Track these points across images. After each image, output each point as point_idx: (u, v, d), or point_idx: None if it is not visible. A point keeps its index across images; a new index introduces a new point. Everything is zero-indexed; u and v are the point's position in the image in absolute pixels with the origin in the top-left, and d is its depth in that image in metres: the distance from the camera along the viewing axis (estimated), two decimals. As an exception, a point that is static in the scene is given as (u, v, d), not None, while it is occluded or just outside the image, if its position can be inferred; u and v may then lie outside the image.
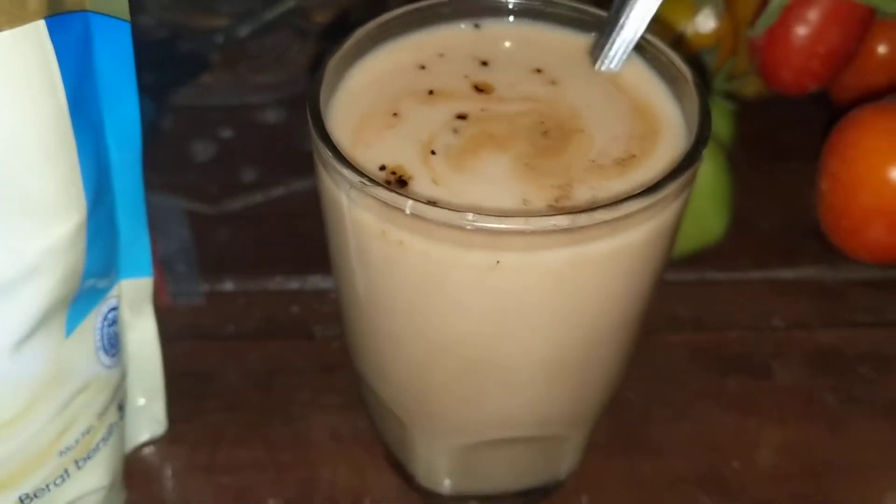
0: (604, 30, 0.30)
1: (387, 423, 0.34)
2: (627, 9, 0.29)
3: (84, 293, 0.30)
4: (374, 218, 0.26)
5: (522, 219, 0.24)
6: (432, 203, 0.24)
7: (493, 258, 0.25)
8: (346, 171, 0.25)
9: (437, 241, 0.25)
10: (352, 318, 0.31)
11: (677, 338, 0.44)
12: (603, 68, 0.30)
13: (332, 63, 0.29)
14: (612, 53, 0.30)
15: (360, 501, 0.36)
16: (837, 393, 0.41)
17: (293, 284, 0.46)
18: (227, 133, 0.55)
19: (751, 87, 0.53)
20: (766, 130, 0.56)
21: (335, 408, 0.40)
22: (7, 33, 0.24)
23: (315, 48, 0.61)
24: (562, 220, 0.24)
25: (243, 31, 0.62)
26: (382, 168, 0.27)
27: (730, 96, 0.50)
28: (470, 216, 0.24)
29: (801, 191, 0.52)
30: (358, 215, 0.26)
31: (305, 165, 0.54)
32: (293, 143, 0.55)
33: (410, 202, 0.24)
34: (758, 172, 0.52)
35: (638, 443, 0.39)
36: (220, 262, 0.47)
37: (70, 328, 0.30)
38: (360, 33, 0.30)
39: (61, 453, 0.31)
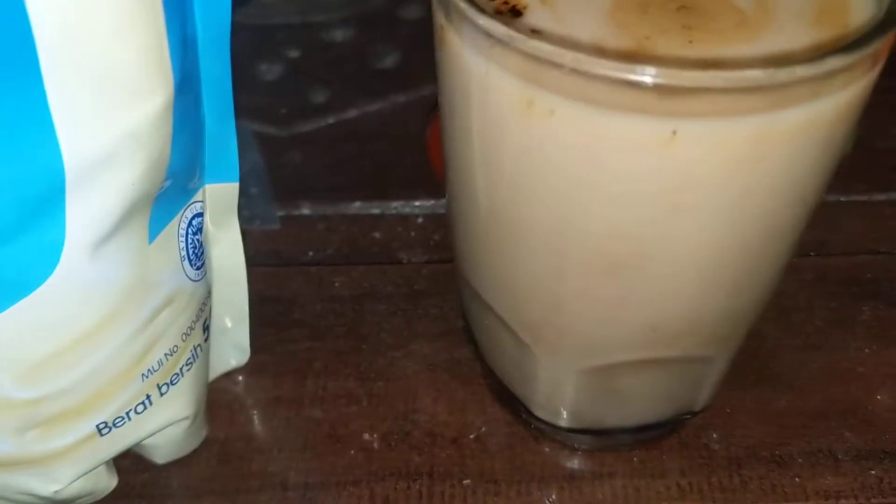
0: None
1: (501, 345, 0.31)
2: None
3: (168, 194, 0.26)
4: (518, 84, 0.21)
5: (711, 73, 0.19)
6: (598, 53, 0.20)
7: (669, 128, 0.20)
8: (487, 22, 0.21)
9: (599, 106, 0.20)
10: (467, 221, 0.27)
11: (802, 263, 0.40)
12: None
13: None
14: None
15: (464, 436, 0.33)
16: None
17: (374, 210, 0.42)
18: (293, 53, 0.51)
19: None
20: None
21: (430, 336, 0.36)
22: None
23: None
24: (756, 74, 0.20)
25: (305, -52, 0.58)
26: None
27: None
28: (651, 70, 0.19)
29: (922, 109, 0.47)
30: (495, 84, 0.22)
31: (377, 86, 0.50)
32: (362, 61, 0.51)
33: (571, 54, 0.20)
34: (876, 90, 0.48)
35: (770, 375, 0.35)
36: (294, 185, 0.43)
37: (153, 233, 0.26)
38: None
39: (143, 376, 0.27)
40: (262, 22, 0.53)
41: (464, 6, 0.22)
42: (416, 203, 0.43)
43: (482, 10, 0.21)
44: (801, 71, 0.20)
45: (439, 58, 0.25)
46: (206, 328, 0.30)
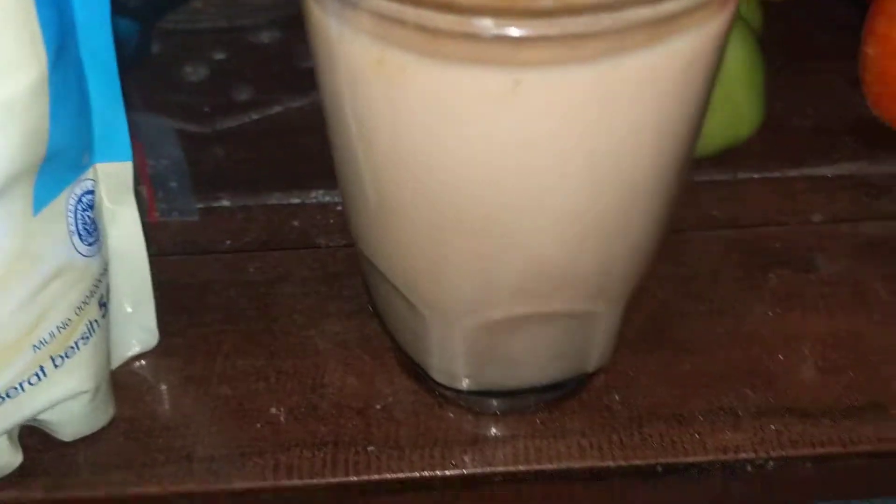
0: None
1: (397, 313, 0.31)
2: None
3: (53, 168, 0.27)
4: (370, 42, 0.22)
5: (546, 20, 0.20)
6: (439, 6, 0.21)
7: (512, 77, 0.21)
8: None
9: (445, 60, 0.21)
10: (352, 187, 0.28)
11: (711, 234, 0.40)
12: None
13: None
14: None
15: (370, 407, 0.33)
16: (887, 282, 0.38)
17: (294, 199, 0.43)
18: (219, 55, 0.52)
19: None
20: (798, 31, 0.53)
21: (342, 315, 0.36)
22: None
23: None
24: (597, 20, 0.20)
25: (234, -45, 0.58)
26: None
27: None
28: (487, 22, 0.20)
29: (835, 89, 0.48)
30: (350, 46, 0.23)
31: (302, 84, 0.51)
32: (289, 62, 0.51)
33: (414, 10, 0.21)
34: (789, 72, 0.49)
35: (673, 340, 0.36)
36: (215, 179, 0.44)
37: (38, 205, 0.27)
38: None
39: (35, 347, 0.28)
40: (189, 27, 0.54)
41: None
42: (336, 191, 0.43)
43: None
44: (632, 15, 0.21)
45: (306, 29, 0.25)
46: (102, 304, 0.30)
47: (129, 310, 0.33)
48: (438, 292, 0.28)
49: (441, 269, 0.27)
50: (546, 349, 0.30)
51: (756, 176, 0.44)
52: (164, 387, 0.34)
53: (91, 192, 0.29)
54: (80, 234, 0.28)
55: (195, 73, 0.51)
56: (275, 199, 0.43)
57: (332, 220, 0.42)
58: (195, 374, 0.34)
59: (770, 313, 0.37)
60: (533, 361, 0.30)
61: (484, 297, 0.27)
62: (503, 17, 0.21)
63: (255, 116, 0.48)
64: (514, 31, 0.21)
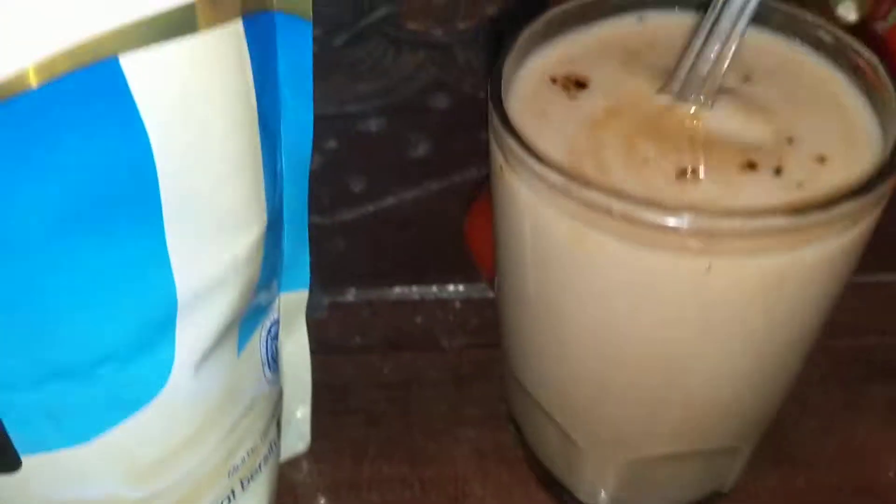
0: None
1: (546, 436, 0.34)
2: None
3: (252, 309, 0.29)
4: (570, 222, 0.25)
5: (740, 218, 0.23)
6: (644, 202, 0.23)
7: (705, 263, 0.24)
8: (543, 170, 0.24)
9: (644, 245, 0.24)
10: (519, 326, 0.30)
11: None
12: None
13: (512, 54, 0.28)
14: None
15: (512, 518, 0.36)
16: None
17: (414, 295, 0.45)
18: (331, 143, 0.55)
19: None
20: None
21: (475, 421, 0.39)
22: (210, 33, 0.22)
23: (410, 55, 0.61)
24: (778, 220, 0.23)
25: (337, 40, 0.61)
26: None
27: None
28: (686, 216, 0.23)
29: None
30: (548, 220, 0.25)
31: (411, 174, 0.53)
32: (398, 151, 0.54)
33: (618, 202, 0.23)
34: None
35: (789, 455, 0.38)
36: (338, 273, 0.46)
37: (241, 345, 0.29)
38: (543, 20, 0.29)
39: (230, 473, 0.30)
40: (300, 113, 0.56)
41: (523, 154, 0.25)
42: (451, 288, 0.46)
43: (539, 159, 0.25)
44: (816, 216, 0.23)
45: (497, 189, 0.28)
46: (279, 424, 0.33)
47: (299, 416, 0.36)
48: (598, 432, 0.30)
49: (602, 410, 0.29)
50: (691, 476, 0.32)
51: (855, 279, 0.46)
52: (317, 492, 0.36)
53: (277, 323, 0.32)
54: (269, 365, 0.31)
55: (312, 162, 0.53)
56: (396, 293, 0.46)
57: (451, 318, 0.44)
58: (344, 478, 0.37)
59: (878, 429, 0.39)
60: (677, 486, 0.33)
61: (642, 439, 0.30)
62: (701, 215, 0.23)
63: (371, 208, 0.50)
64: (710, 226, 0.23)
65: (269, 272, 0.29)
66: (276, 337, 0.32)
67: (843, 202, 0.24)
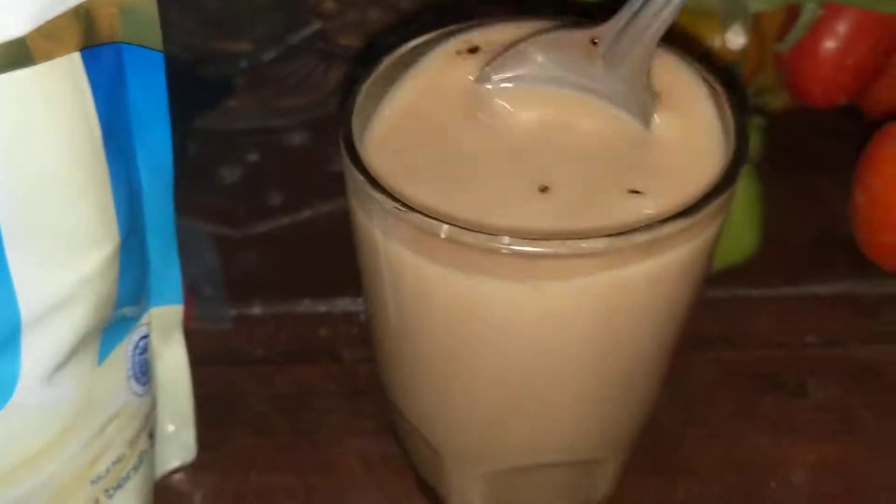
0: None
1: (418, 449, 0.34)
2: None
3: (116, 321, 0.30)
4: (409, 250, 0.25)
5: (558, 242, 0.23)
6: (467, 228, 0.24)
7: (531, 287, 0.24)
8: (380, 196, 0.25)
9: (474, 270, 0.24)
10: (383, 346, 0.31)
11: (708, 356, 0.43)
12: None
13: (365, 87, 0.29)
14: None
15: (393, 527, 0.36)
16: (875, 410, 0.41)
17: (321, 307, 0.46)
18: (253, 157, 0.55)
19: (779, 100, 0.53)
20: (796, 143, 0.55)
21: (365, 433, 0.39)
22: (42, 66, 0.24)
23: (340, 71, 0.61)
24: (598, 243, 0.23)
25: (267, 55, 0.62)
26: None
27: (758, 111, 0.50)
28: (506, 240, 0.23)
29: (832, 203, 0.51)
30: (392, 246, 0.26)
31: (332, 188, 0.54)
32: (320, 165, 0.54)
33: (446, 226, 0.24)
34: (788, 186, 0.52)
35: (671, 464, 0.38)
36: (247, 285, 0.47)
37: (102, 356, 0.30)
38: (391, 59, 0.30)
39: (92, 482, 0.31)
40: (224, 127, 0.57)
41: (360, 179, 0.25)
42: (360, 301, 0.46)
43: (374, 183, 0.25)
44: (638, 237, 0.24)
45: (351, 216, 0.29)
46: (151, 435, 0.33)
47: (171, 429, 0.36)
48: (457, 446, 0.31)
49: (459, 425, 0.30)
50: (558, 488, 0.33)
51: (754, 293, 0.47)
52: (199, 502, 0.37)
53: (146, 337, 0.32)
54: (136, 377, 0.32)
55: (230, 174, 0.54)
56: (304, 306, 0.46)
57: (355, 331, 0.45)
58: (230, 489, 0.37)
59: (763, 440, 0.39)
60: (545, 497, 0.33)
61: (496, 450, 0.30)
62: (521, 237, 0.24)
63: (286, 221, 0.51)
64: (528, 249, 0.24)
65: (130, 288, 0.29)
66: (144, 351, 0.32)
67: (664, 224, 0.24)
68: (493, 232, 0.24)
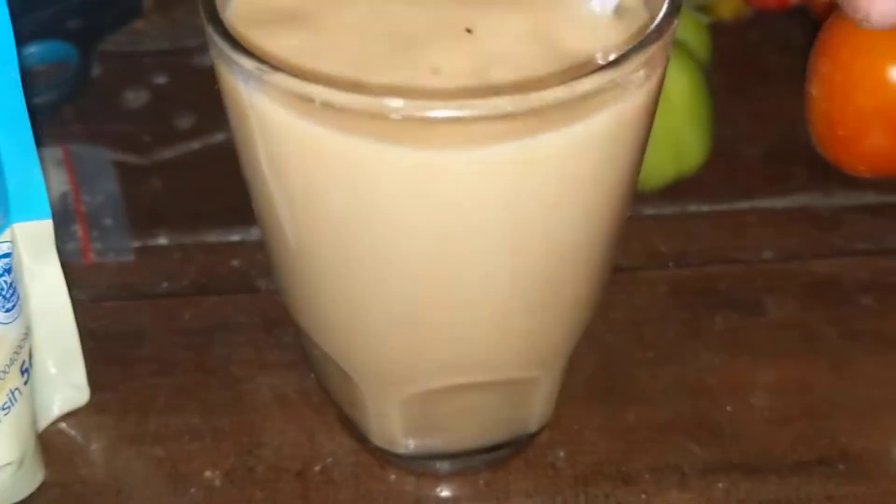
0: None
1: (332, 377, 0.30)
2: None
3: (-36, 238, 0.25)
4: (283, 114, 0.21)
5: (456, 102, 0.19)
6: (348, 89, 0.20)
7: (424, 157, 0.20)
8: (242, 59, 0.21)
9: (356, 135, 0.20)
10: (278, 257, 0.27)
11: (658, 274, 0.40)
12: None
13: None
14: None
15: (310, 468, 0.32)
16: (837, 327, 0.38)
17: (234, 236, 0.42)
18: (161, 79, 0.51)
19: (727, 6, 0.49)
20: (746, 53, 0.52)
21: (280, 367, 0.35)
22: None
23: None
24: (504, 103, 0.19)
25: (178, -29, 0.57)
26: None
27: (704, 10, 0.46)
28: (394, 102, 0.19)
29: (786, 114, 0.48)
30: (265, 115, 0.22)
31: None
32: (234, 86, 0.50)
33: (321, 88, 0.20)
34: (739, 97, 0.48)
35: (619, 389, 0.35)
36: (152, 215, 0.42)
37: (-50, 276, 0.25)
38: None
39: (-49, 424, 0.26)
40: (131, 49, 0.52)
41: (220, 43, 0.21)
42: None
43: (237, 47, 0.21)
44: (552, 94, 0.20)
45: (220, 88, 0.24)
46: (24, 371, 0.29)
47: (54, 370, 0.32)
48: (366, 361, 0.27)
49: (369, 343, 0.26)
50: (484, 415, 0.29)
51: (705, 209, 0.44)
52: (95, 448, 0.33)
53: (8, 255, 0.28)
54: (-3, 302, 0.27)
55: (136, 98, 0.49)
56: (214, 235, 0.42)
57: (273, 260, 0.41)
58: (127, 432, 0.33)
59: (717, 360, 0.36)
60: (472, 427, 0.30)
61: (411, 367, 0.26)
62: (412, 99, 0.20)
63: (195, 146, 0.47)
64: (425, 113, 0.20)
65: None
66: (6, 271, 0.28)
67: (578, 81, 0.20)
68: (379, 93, 0.19)
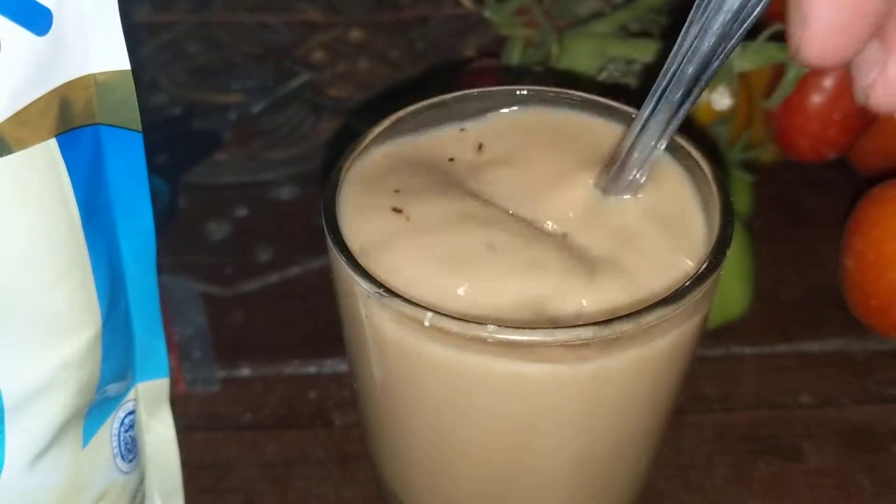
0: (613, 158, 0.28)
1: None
2: (635, 130, 0.27)
3: (100, 402, 0.29)
4: (394, 327, 0.25)
5: (543, 331, 0.23)
6: (452, 316, 0.23)
7: (516, 370, 0.24)
8: (363, 282, 0.25)
9: (459, 350, 0.24)
10: (372, 420, 0.30)
11: (704, 418, 0.43)
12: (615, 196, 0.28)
13: (347, 164, 0.29)
14: (622, 182, 0.28)
15: None
16: (871, 474, 0.40)
17: (310, 368, 0.45)
18: (241, 211, 0.55)
19: (768, 154, 0.53)
20: (785, 196, 0.55)
21: (355, 501, 0.39)
22: (18, 154, 0.23)
23: (330, 122, 0.61)
24: (585, 332, 0.23)
25: (256, 107, 0.62)
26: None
27: (747, 166, 0.50)
28: (490, 328, 0.23)
29: (822, 257, 0.51)
30: (377, 323, 0.25)
31: (321, 243, 0.53)
32: (308, 219, 0.54)
33: (430, 314, 0.23)
34: (778, 240, 0.51)
35: (669, 533, 0.38)
36: (235, 346, 0.46)
37: (87, 438, 0.29)
38: (374, 131, 0.30)
39: (79, 564, 0.30)
40: (212, 181, 0.57)
41: (343, 264, 0.25)
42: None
43: (362, 272, 0.25)
44: (621, 327, 0.23)
45: (335, 289, 0.28)
46: (139, 511, 0.33)
47: (159, 503, 0.35)
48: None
49: (443, 499, 0.29)
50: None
51: (748, 351, 0.47)
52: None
53: (132, 413, 0.32)
54: (122, 455, 0.31)
55: (219, 230, 0.53)
56: (293, 367, 0.45)
57: (346, 393, 0.44)
58: (219, 562, 0.37)
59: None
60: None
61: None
62: (505, 326, 0.23)
63: (275, 278, 0.51)
64: (514, 338, 0.23)
65: (114, 368, 0.29)
66: (131, 427, 0.31)
67: (647, 314, 0.24)
68: (478, 321, 0.23)
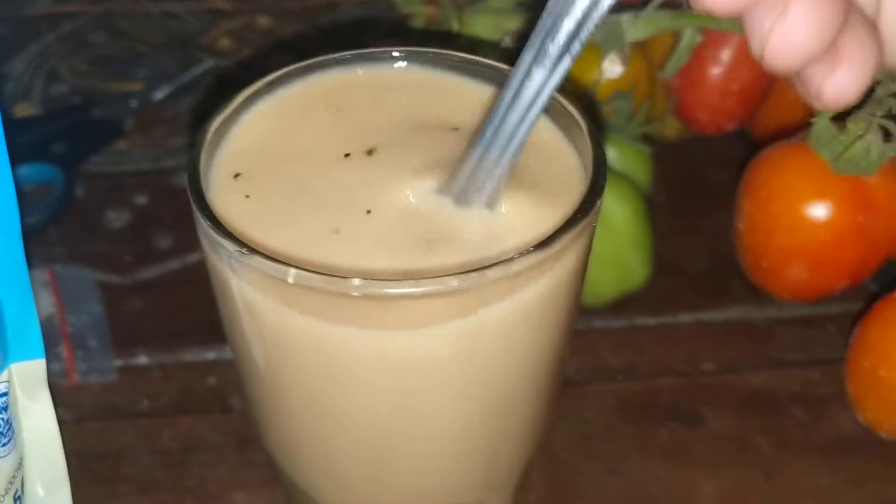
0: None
1: (300, 501, 0.33)
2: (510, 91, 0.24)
3: (-34, 383, 0.28)
4: (261, 291, 0.24)
5: (411, 282, 0.23)
6: (317, 271, 0.23)
7: (384, 334, 0.23)
8: (225, 241, 0.24)
9: (325, 319, 0.23)
10: (253, 394, 0.30)
11: (607, 388, 0.43)
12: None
13: (213, 127, 0.28)
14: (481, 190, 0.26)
15: (280, 583, 0.35)
16: (770, 437, 0.41)
17: (210, 355, 0.44)
18: (141, 199, 0.54)
19: (670, 128, 0.53)
20: (688, 171, 0.56)
21: (253, 484, 0.38)
22: None
23: (233, 108, 0.60)
24: (451, 281, 0.23)
25: (159, 94, 0.60)
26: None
27: (648, 139, 0.50)
28: (356, 282, 0.22)
29: (724, 230, 0.51)
30: (245, 288, 0.25)
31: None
32: (210, 206, 0.53)
33: (293, 271, 0.23)
34: (682, 214, 0.52)
35: (569, 501, 0.38)
36: (133, 334, 0.45)
37: (-48, 419, 0.28)
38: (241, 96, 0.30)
39: (-51, 556, 0.29)
40: (112, 170, 0.55)
41: (205, 225, 0.24)
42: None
43: (216, 225, 0.24)
44: (492, 274, 0.23)
45: (205, 258, 0.27)
46: (17, 499, 0.32)
47: (42, 492, 0.34)
48: (335, 493, 0.30)
49: (335, 474, 0.29)
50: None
51: (651, 322, 0.47)
52: (78, 567, 0.35)
53: (5, 394, 0.31)
54: (-7, 440, 0.30)
55: (118, 218, 0.52)
56: (192, 354, 0.44)
57: (247, 377, 0.43)
58: (109, 552, 0.36)
59: (661, 472, 0.39)
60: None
61: (375, 498, 0.29)
62: (369, 278, 0.23)
63: (175, 265, 0.49)
64: (381, 290, 0.23)
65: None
66: (4, 409, 0.30)
67: (515, 260, 0.24)
68: (344, 275, 0.23)
